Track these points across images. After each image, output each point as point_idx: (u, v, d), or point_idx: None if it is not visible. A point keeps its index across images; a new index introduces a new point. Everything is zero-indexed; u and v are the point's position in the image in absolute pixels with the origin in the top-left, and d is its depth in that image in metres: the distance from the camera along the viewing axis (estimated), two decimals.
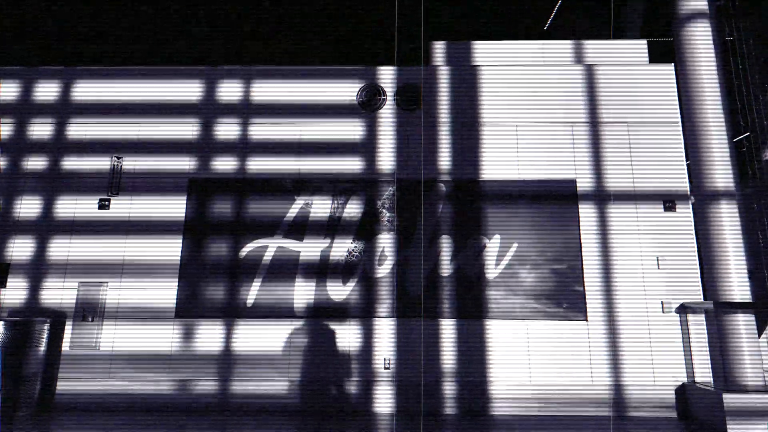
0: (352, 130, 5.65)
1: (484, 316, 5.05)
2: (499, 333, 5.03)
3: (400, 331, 5.08)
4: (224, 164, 5.65)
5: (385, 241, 5.30)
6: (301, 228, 5.39)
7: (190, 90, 5.86)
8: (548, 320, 5.03)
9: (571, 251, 5.17)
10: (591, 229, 5.24)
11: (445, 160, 5.52)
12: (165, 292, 5.28)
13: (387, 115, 5.71)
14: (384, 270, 5.23)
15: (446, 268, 5.18)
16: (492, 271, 5.15)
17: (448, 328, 5.06)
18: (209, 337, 5.15)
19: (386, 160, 5.56)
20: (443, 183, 5.43)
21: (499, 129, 5.57)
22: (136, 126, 5.78)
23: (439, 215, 5.34)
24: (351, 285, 5.21)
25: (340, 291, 5.20)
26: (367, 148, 5.59)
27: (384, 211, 5.40)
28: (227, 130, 5.75)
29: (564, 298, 5.07)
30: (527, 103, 5.63)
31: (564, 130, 5.54)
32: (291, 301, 5.19)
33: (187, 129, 5.76)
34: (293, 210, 5.46)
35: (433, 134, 5.60)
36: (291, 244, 5.35)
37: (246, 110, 5.79)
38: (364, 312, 5.12)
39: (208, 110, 5.81)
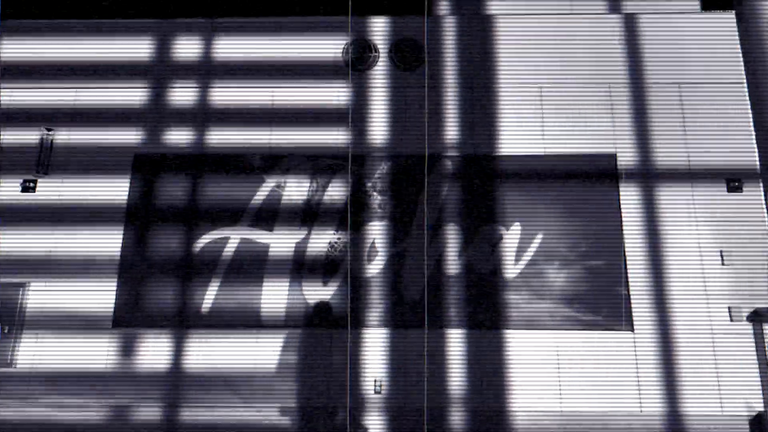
0: (336, 94, 4.55)
1: (501, 326, 3.96)
2: (520, 347, 3.95)
3: (394, 344, 4.00)
4: (178, 136, 4.55)
5: (376, 232, 4.21)
6: (272, 215, 4.31)
7: (138, 48, 4.76)
8: (583, 331, 3.95)
9: (610, 244, 4.08)
10: (635, 216, 4.15)
11: (452, 130, 4.42)
12: (101, 296, 4.20)
13: (380, 76, 4.61)
14: (374, 268, 4.14)
15: (453, 265, 4.09)
16: (511, 269, 4.06)
17: (455, 341, 3.98)
18: (154, 352, 4.07)
19: (378, 131, 4.46)
20: (449, 159, 4.33)
21: (520, 92, 4.47)
22: (71, 91, 4.68)
23: (443, 199, 4.24)
24: (333, 287, 4.13)
25: (319, 294, 4.12)
26: (354, 116, 4.50)
27: (375, 194, 4.30)
28: (183, 95, 4.65)
29: (603, 302, 3.98)
30: (553, 61, 4.53)
31: (599, 94, 4.44)
32: (257, 307, 4.11)
33: (135, 94, 4.67)
34: (262, 193, 4.37)
35: (438, 99, 4.50)
36: (258, 236, 4.27)
37: (206, 71, 4.69)
38: (349, 320, 4.04)
39: (160, 71, 4.71)
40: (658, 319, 3.96)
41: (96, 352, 4.10)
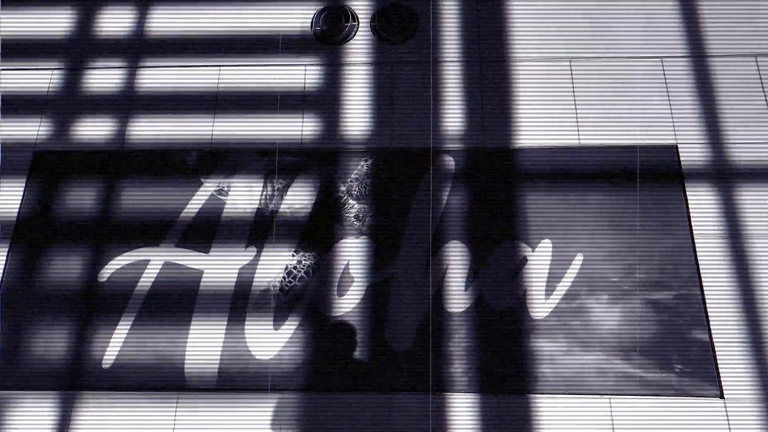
0: (302, 74, 3.46)
1: (527, 389, 2.72)
2: (557, 418, 2.69)
3: (375, 416, 2.75)
4: (92, 129, 3.44)
5: (352, 252, 3.03)
6: (209, 231, 3.13)
7: (53, 22, 3.71)
8: (649, 396, 2.70)
9: (681, 268, 2.88)
10: (712, 228, 2.97)
11: (454, 118, 3.30)
12: None
13: (359, 49, 3.52)
14: (348, 303, 2.94)
15: (458, 299, 2.89)
16: (540, 306, 2.85)
17: (462, 412, 2.74)
18: (35, 422, 2.83)
19: (356, 119, 3.34)
20: (451, 155, 3.19)
21: (544, 67, 3.37)
22: None
23: (443, 208, 3.08)
24: (289, 331, 2.91)
25: (268, 343, 2.90)
26: (325, 101, 3.39)
27: (350, 201, 3.14)
28: (103, 76, 3.56)
29: (676, 353, 2.75)
30: (586, 26, 3.45)
31: (650, 68, 3.33)
32: (180, 361, 2.88)
33: (41, 76, 3.59)
34: (197, 201, 3.21)
35: (436, 77, 3.40)
36: (188, 258, 3.08)
37: (135, 46, 3.62)
38: (310, 382, 2.80)
39: (76, 49, 3.64)
40: (758, 378, 2.72)
41: None
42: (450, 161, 3.17)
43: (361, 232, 3.05)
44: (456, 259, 2.96)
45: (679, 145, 3.15)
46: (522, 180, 3.10)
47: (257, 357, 2.85)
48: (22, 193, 3.30)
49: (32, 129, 3.47)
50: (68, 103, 3.52)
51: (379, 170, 3.19)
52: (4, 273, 3.12)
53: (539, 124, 3.22)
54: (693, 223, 2.97)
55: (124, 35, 3.66)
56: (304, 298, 2.94)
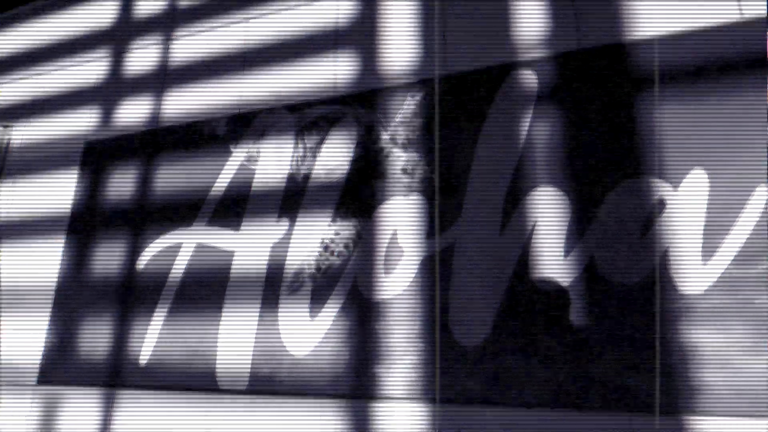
0: (333, 8, 2.80)
1: (687, 407, 1.67)
2: None
3: None
4: (133, 112, 3.22)
5: (400, 216, 2.28)
6: (239, 205, 2.66)
7: (97, 12, 3.63)
8: None
9: None
10: None
11: (533, 19, 2.33)
12: (28, 340, 2.96)
13: None
14: (398, 283, 2.20)
15: (554, 269, 1.94)
16: (695, 274, 1.76)
17: None
18: (80, 420, 2.66)
19: (399, 48, 2.57)
20: (533, 67, 2.23)
21: None
22: (24, 79, 3.71)
23: (524, 141, 2.14)
24: (327, 321, 2.28)
25: (304, 335, 2.30)
26: (360, 34, 2.68)
27: (395, 150, 2.39)
28: (141, 58, 3.34)
29: None
30: None
31: None
32: (212, 359, 2.44)
33: (92, 69, 3.51)
34: (227, 172, 2.76)
35: None
36: (219, 238, 2.64)
37: (165, 20, 3.33)
38: (353, 386, 2.13)
39: (121, 34, 3.49)
40: None
41: (16, 416, 2.83)
42: (531, 76, 2.21)
43: (410, 189, 2.28)
44: (548, 212, 2.02)
45: None
46: (645, 85, 2.01)
47: (292, 353, 2.28)
48: (74, 186, 3.21)
49: (83, 120, 3.39)
50: (112, 90, 3.36)
51: (432, 106, 2.37)
52: (60, 268, 3.03)
53: (658, 6, 2.08)
54: None
55: (155, 12, 3.39)
56: (343, 278, 2.28)
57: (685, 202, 1.82)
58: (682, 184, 1.85)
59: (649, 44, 2.04)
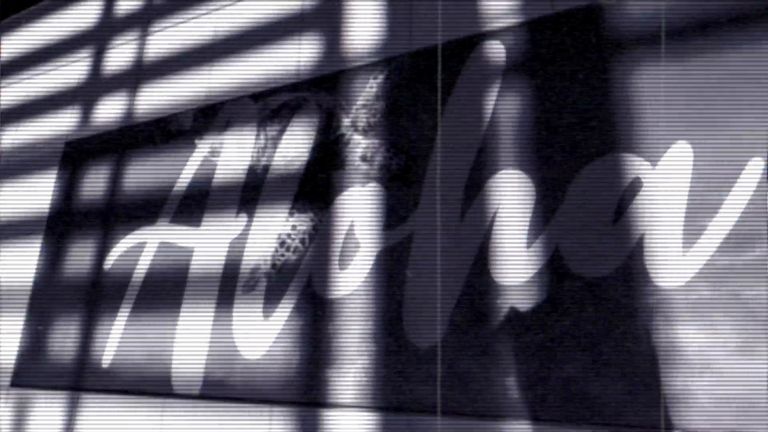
0: None
1: (665, 418, 1.42)
2: None
3: None
4: (109, 110, 3.18)
5: (357, 207, 2.10)
6: (201, 200, 2.54)
7: (82, 12, 3.62)
8: None
9: None
10: None
11: None
12: (5, 342, 2.95)
13: None
14: (352, 279, 2.02)
15: (517, 262, 1.72)
16: (675, 265, 1.50)
17: None
18: (47, 422, 2.60)
19: (363, 28, 2.40)
20: (498, 36, 2.02)
21: None
22: (5, 87, 3.75)
23: (488, 119, 1.93)
24: (280, 321, 2.12)
25: (257, 337, 2.15)
26: (326, 15, 2.53)
27: (355, 136, 2.21)
28: (118, 56, 3.30)
29: None
30: None
31: None
32: (167, 362, 2.33)
33: (69, 70, 3.50)
34: (191, 166, 2.66)
35: None
36: (180, 236, 2.53)
37: (144, 19, 3.27)
38: (303, 392, 1.97)
39: (95, 35, 3.48)
40: None
41: None
42: (497, 47, 2.00)
43: (369, 178, 2.10)
44: (511, 197, 1.80)
45: None
46: (623, 48, 1.76)
47: (245, 356, 2.13)
48: (52, 187, 3.19)
49: (65, 121, 3.38)
50: (91, 89, 3.34)
51: (394, 87, 2.18)
52: (36, 273, 3.01)
53: None
54: None
55: (132, 10, 3.35)
56: (298, 276, 2.12)
57: (664, 180, 1.57)
58: (661, 160, 1.59)
59: (628, 3, 1.79)
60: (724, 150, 1.51)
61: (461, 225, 1.84)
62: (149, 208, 2.70)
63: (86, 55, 3.47)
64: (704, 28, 1.63)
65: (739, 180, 1.47)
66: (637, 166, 1.62)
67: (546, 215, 1.71)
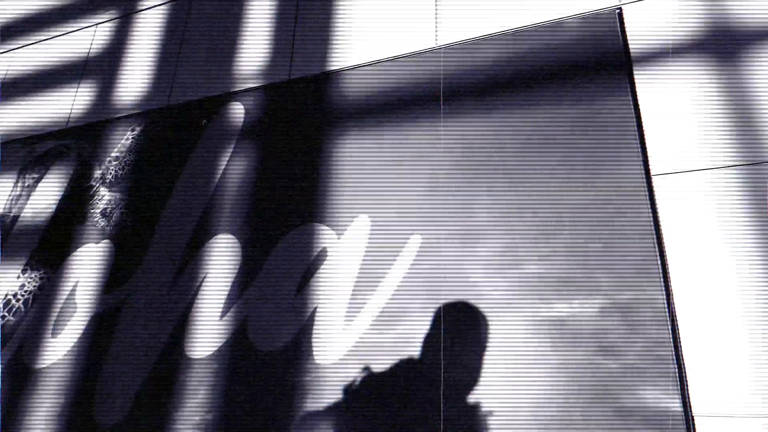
0: (90, 36, 2.58)
1: None
2: None
3: None
4: None
5: (86, 266, 1.95)
6: None
7: None
8: None
9: (639, 255, 1.31)
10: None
11: (259, 48, 2.14)
12: None
13: None
14: (60, 348, 1.84)
15: (207, 335, 1.62)
16: (337, 337, 1.46)
17: None
18: None
19: (134, 78, 2.33)
20: (241, 98, 2.01)
21: None
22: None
23: (218, 180, 1.88)
24: None
25: None
26: (106, 63, 2.45)
27: (101, 190, 2.09)
28: None
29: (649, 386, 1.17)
30: None
31: None
32: None
33: None
34: None
35: (245, 7, 2.28)
36: None
37: None
38: None
39: None
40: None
41: None
42: (238, 109, 1.98)
43: (104, 235, 1.97)
44: (220, 262, 1.72)
45: (623, 10, 1.61)
46: (337, 117, 1.79)
47: None
48: None
49: None
50: None
51: (148, 140, 2.10)
52: None
53: (378, 30, 1.91)
54: (647, 146, 1.40)
55: None
56: (11, 342, 1.91)
57: (345, 253, 1.56)
58: (346, 232, 1.59)
59: (355, 72, 1.84)
60: (394, 224, 1.53)
61: (173, 289, 1.74)
62: None
63: None
64: (403, 102, 1.69)
65: (400, 255, 1.48)
66: (326, 236, 1.61)
67: (246, 282, 1.65)
